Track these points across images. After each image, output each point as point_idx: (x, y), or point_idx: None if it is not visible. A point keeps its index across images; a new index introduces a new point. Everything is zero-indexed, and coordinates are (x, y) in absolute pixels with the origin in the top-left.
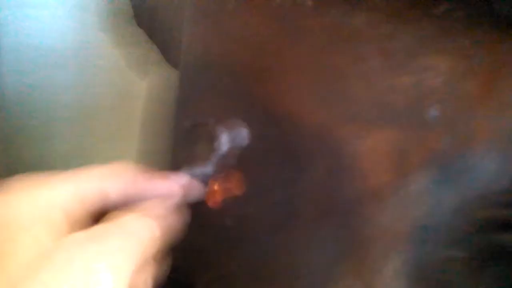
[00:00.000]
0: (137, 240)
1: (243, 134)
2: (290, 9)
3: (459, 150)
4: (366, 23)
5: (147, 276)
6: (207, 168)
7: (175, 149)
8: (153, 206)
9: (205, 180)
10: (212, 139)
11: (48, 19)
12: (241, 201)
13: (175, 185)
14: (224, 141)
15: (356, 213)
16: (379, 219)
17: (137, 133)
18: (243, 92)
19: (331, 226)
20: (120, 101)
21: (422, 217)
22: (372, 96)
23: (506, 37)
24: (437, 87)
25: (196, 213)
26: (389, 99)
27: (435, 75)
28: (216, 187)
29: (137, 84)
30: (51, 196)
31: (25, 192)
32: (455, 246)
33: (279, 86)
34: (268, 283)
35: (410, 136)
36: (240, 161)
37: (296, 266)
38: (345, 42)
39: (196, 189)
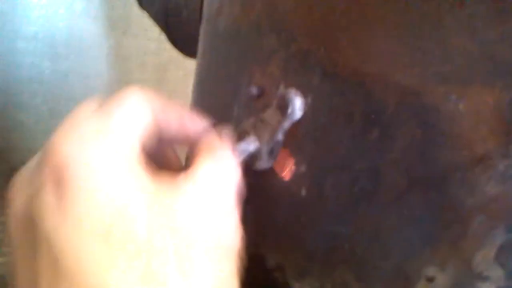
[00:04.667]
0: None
1: (299, 103)
2: None
3: None
4: None
5: None
6: (278, 135)
7: (238, 118)
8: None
9: (276, 149)
10: (280, 106)
11: (37, 6)
12: (319, 171)
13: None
14: (298, 107)
15: (456, 182)
16: (484, 188)
17: None
18: (297, 54)
19: (425, 197)
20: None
21: None
22: (472, 48)
23: None
24: None
25: (267, 184)
26: (493, 52)
27: None
28: (287, 156)
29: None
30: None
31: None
32: None
33: (349, 41)
34: (349, 264)
35: None
36: (314, 130)
37: (381, 244)
38: None
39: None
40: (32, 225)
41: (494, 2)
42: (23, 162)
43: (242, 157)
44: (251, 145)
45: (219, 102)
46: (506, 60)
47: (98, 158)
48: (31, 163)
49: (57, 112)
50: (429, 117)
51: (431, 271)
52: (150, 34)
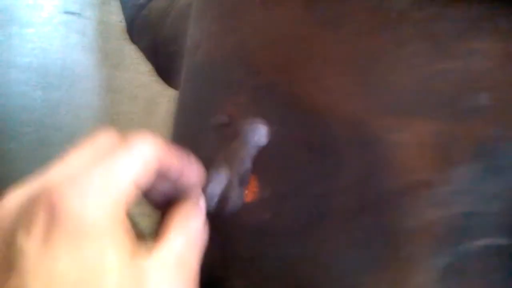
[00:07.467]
0: None
1: (264, 131)
2: None
3: (509, 141)
4: (410, 4)
5: None
6: (246, 163)
7: (209, 146)
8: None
9: (246, 178)
10: (247, 134)
11: (33, 38)
12: (281, 195)
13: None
14: (263, 135)
15: (396, 206)
16: (428, 212)
17: None
18: (262, 86)
19: (371, 221)
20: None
21: (466, 208)
22: (413, 83)
23: None
24: (486, 72)
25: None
26: (433, 87)
27: (484, 59)
28: (252, 179)
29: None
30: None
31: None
32: (498, 234)
33: (308, 77)
34: (304, 286)
35: (455, 127)
36: (277, 157)
37: (334, 263)
38: (386, 26)
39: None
40: (10, 245)
41: (431, 42)
42: None
43: (217, 192)
44: (223, 176)
45: (193, 130)
46: (445, 93)
47: (91, 207)
48: (26, 189)
49: (46, 141)
50: (376, 147)
51: None
52: (141, 67)
